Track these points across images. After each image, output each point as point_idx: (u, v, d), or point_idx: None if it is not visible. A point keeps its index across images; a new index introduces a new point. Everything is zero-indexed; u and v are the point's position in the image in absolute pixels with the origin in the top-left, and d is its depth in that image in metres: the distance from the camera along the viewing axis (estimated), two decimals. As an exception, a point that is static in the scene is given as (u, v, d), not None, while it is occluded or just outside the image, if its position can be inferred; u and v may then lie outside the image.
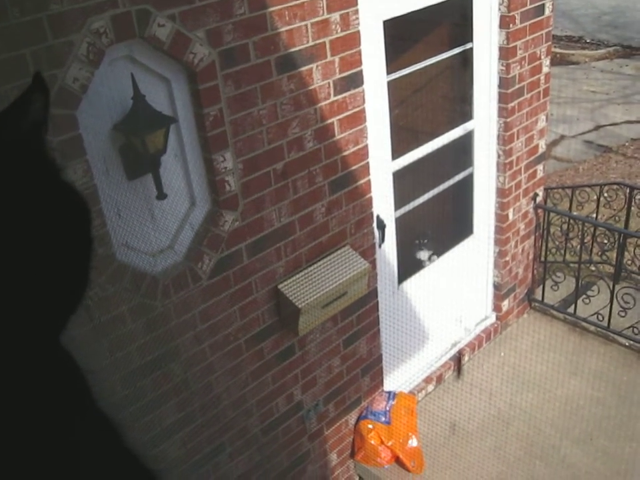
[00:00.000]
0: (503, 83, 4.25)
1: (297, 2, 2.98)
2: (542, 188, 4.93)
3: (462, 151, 4.48)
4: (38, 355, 0.73)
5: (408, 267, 4.44)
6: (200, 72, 2.75)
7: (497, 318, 5.08)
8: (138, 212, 2.84)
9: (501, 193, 4.62)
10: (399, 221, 4.16)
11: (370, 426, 4.16)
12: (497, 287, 4.98)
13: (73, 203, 0.78)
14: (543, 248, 5.10)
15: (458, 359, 4.81)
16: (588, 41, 12.84)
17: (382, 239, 3.99)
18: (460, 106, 4.48)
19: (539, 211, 4.93)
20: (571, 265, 5.11)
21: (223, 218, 3.06)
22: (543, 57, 4.39)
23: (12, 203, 0.69)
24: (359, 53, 3.34)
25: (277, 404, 3.68)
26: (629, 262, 5.18)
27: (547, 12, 4.28)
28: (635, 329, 4.66)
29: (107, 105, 2.61)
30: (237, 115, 2.94)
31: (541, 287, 5.16)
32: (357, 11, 3.25)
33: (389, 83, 3.72)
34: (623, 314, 4.69)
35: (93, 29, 2.40)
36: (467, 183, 4.60)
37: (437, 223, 4.81)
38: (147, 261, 2.90)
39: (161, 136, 2.67)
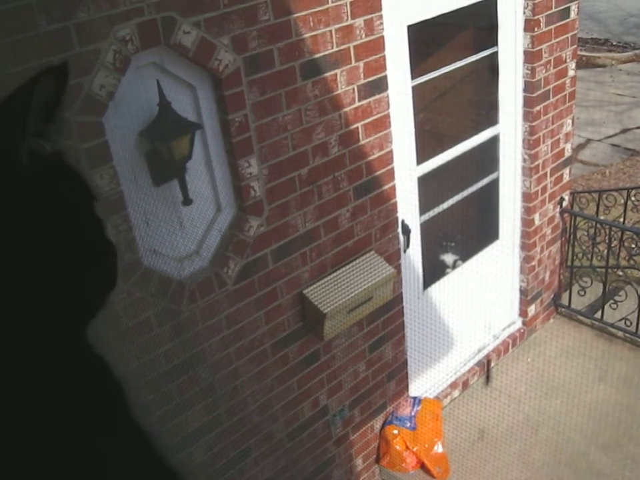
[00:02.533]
0: (529, 86, 4.23)
1: (321, 8, 2.99)
2: (568, 192, 4.89)
3: (487, 156, 4.47)
4: (70, 357, 0.74)
5: (433, 272, 4.43)
6: (225, 78, 2.77)
7: (523, 323, 5.05)
8: (164, 217, 2.86)
9: (527, 197, 4.59)
10: (424, 226, 4.15)
11: (395, 431, 4.14)
12: (523, 292, 4.94)
13: (70, 184, 0.78)
14: (570, 253, 5.05)
15: (486, 365, 4.79)
16: (614, 43, 12.72)
17: (407, 244, 3.98)
18: (485, 110, 4.46)
19: (565, 215, 4.89)
20: (598, 269, 5.06)
21: (248, 223, 3.07)
22: (568, 60, 4.36)
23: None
24: (384, 58, 3.34)
25: (303, 409, 3.68)
26: (657, 266, 5.12)
27: (573, 15, 4.25)
28: (664, 334, 4.61)
29: (133, 111, 2.63)
30: (262, 120, 2.95)
31: (568, 292, 5.11)
32: (381, 16, 3.25)
33: (414, 88, 3.71)
34: (651, 319, 4.64)
35: (119, 37, 2.43)
36: (493, 188, 4.57)
37: (462, 228, 4.79)
38: (173, 266, 2.92)
39: (187, 142, 2.69)
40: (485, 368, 4.79)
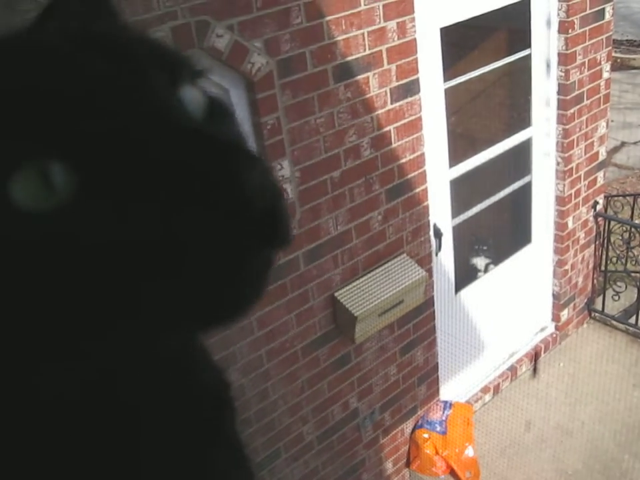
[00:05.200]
0: (562, 89, 4.19)
1: (354, 11, 2.99)
2: (602, 196, 4.84)
3: (520, 159, 4.43)
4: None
5: (465, 275, 4.41)
6: (258, 81, 2.78)
7: (556, 328, 5.00)
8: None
9: (560, 200, 4.55)
10: (456, 230, 4.13)
11: (425, 435, 4.13)
12: (555, 296, 4.90)
13: None
14: (603, 257, 5.00)
15: (534, 357, 4.79)
16: (650, 45, 12.55)
17: (439, 247, 3.97)
18: (518, 113, 4.43)
19: (599, 219, 4.84)
20: (633, 274, 5.00)
21: (279, 226, 3.07)
22: (603, 63, 4.32)
23: None
24: (416, 60, 3.33)
25: (333, 411, 3.68)
26: (694, 271, 5.04)
27: (607, 16, 4.21)
28: (700, 341, 4.54)
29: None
30: (294, 123, 2.96)
31: (601, 296, 5.05)
32: (413, 19, 3.25)
33: (446, 91, 3.70)
34: (687, 325, 4.57)
35: (154, 41, 2.45)
36: (525, 191, 4.54)
37: (494, 232, 4.76)
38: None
39: (220, 145, 2.71)
40: (534, 360, 4.79)
